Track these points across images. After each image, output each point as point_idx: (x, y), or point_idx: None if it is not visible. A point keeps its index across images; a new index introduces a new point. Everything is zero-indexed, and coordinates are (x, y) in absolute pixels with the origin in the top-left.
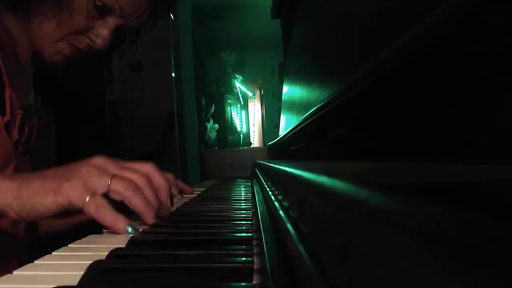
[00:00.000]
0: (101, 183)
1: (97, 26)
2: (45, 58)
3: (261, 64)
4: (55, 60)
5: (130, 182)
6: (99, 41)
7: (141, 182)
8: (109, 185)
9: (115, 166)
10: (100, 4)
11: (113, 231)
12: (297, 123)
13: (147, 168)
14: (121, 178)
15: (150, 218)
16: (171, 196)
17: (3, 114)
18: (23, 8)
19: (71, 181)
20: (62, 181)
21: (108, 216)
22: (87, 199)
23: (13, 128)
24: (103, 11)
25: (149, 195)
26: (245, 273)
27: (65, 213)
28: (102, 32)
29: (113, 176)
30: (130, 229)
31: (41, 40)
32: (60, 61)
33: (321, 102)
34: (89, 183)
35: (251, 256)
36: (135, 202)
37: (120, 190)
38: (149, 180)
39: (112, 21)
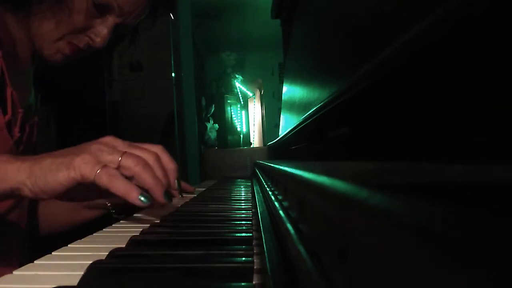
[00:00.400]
0: (112, 159)
1: (96, 24)
2: (45, 57)
3: (261, 64)
4: (55, 59)
5: (140, 159)
6: (98, 39)
7: (150, 160)
8: (119, 161)
9: (125, 145)
10: (99, 3)
11: (113, 231)
12: (297, 123)
13: (157, 148)
14: (131, 154)
15: (159, 195)
16: (179, 180)
17: (5, 113)
18: (23, 8)
19: (82, 155)
20: (73, 156)
21: (121, 185)
22: (99, 170)
23: (15, 127)
24: (102, 10)
25: (158, 172)
26: (245, 273)
27: (77, 187)
28: (102, 30)
29: (123, 153)
30: (142, 198)
31: (41, 39)
32: (60, 60)
33: (321, 102)
34: (100, 157)
35: (251, 256)
36: (145, 177)
37: (130, 166)
38: (158, 158)
39: (111, 20)
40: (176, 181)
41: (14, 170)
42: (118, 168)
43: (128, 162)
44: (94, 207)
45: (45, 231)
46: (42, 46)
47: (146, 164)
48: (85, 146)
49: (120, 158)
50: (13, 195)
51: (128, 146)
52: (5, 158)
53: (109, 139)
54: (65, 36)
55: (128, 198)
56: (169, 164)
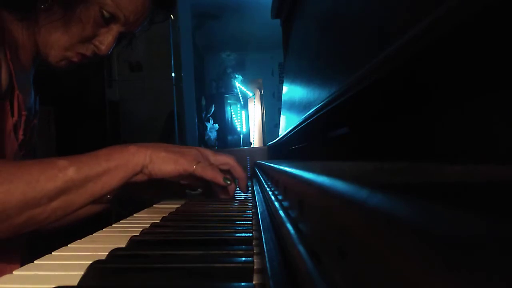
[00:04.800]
0: (203, 160)
1: (101, 33)
2: (50, 63)
3: (261, 64)
4: (60, 65)
5: (226, 162)
6: (103, 47)
7: (232, 164)
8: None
9: (212, 154)
10: (107, 14)
11: (113, 231)
12: (297, 123)
13: (232, 159)
14: (219, 158)
15: (245, 185)
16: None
17: (12, 116)
18: (30, 15)
19: (185, 156)
20: (179, 155)
21: (210, 172)
22: (195, 166)
23: (19, 129)
24: (108, 20)
25: (237, 174)
26: (245, 273)
27: (179, 176)
28: (107, 39)
29: (213, 154)
30: (227, 181)
31: (48, 47)
32: (65, 66)
33: (321, 102)
34: (197, 159)
35: (251, 256)
36: (239, 169)
37: (223, 161)
38: (236, 164)
39: (116, 28)
40: (247, 187)
41: (143, 156)
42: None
43: (220, 160)
44: (98, 201)
45: (50, 227)
46: (48, 53)
47: (231, 166)
48: (189, 149)
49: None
50: (138, 173)
51: (214, 155)
52: (135, 148)
53: (203, 149)
54: (73, 46)
55: (216, 181)
56: (242, 173)
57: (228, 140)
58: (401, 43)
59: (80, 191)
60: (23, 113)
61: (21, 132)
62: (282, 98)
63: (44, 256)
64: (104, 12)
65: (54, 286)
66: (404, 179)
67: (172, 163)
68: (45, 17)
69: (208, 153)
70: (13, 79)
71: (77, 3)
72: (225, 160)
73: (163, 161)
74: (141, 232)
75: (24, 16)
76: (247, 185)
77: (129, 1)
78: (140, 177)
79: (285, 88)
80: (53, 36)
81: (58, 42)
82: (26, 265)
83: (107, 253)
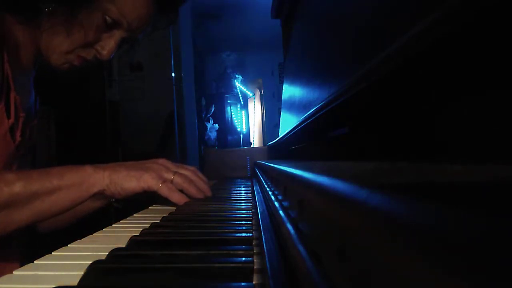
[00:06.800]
0: (168, 176)
1: (104, 38)
2: (52, 66)
3: (261, 64)
4: (62, 68)
5: (187, 177)
6: (105, 52)
7: (193, 178)
8: (172, 178)
9: (174, 166)
10: (110, 20)
11: (113, 231)
12: (297, 123)
13: (194, 170)
14: (180, 174)
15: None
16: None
17: (8, 117)
18: (33, 21)
19: (149, 172)
20: (142, 172)
21: (176, 196)
22: (160, 184)
23: (17, 130)
24: (111, 26)
25: (199, 185)
26: (245, 273)
27: (142, 193)
28: (109, 44)
29: (174, 173)
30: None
31: (50, 51)
32: (67, 69)
33: (321, 102)
34: (160, 174)
35: (251, 256)
36: (191, 190)
37: (180, 182)
38: (196, 175)
39: (118, 34)
40: (210, 191)
41: (100, 178)
42: (171, 182)
43: (179, 180)
44: (97, 198)
45: (51, 226)
46: (51, 56)
47: (190, 181)
48: (150, 164)
49: (173, 176)
50: (100, 194)
51: (176, 167)
52: (92, 168)
53: (163, 161)
54: (74, 50)
55: (179, 203)
56: (203, 183)
57: (228, 140)
58: (401, 43)
59: (25, 207)
60: (21, 114)
61: (18, 133)
62: (282, 98)
63: (44, 256)
64: (107, 18)
65: (54, 286)
66: (404, 179)
67: (134, 180)
68: (47, 21)
69: (170, 165)
70: (10, 81)
71: (80, 9)
72: (187, 172)
73: (125, 180)
74: (141, 232)
75: (27, 20)
76: (209, 189)
77: (133, 8)
78: (99, 203)
79: (285, 88)
80: (55, 40)
81: (60, 47)
82: (26, 265)
83: (107, 253)
